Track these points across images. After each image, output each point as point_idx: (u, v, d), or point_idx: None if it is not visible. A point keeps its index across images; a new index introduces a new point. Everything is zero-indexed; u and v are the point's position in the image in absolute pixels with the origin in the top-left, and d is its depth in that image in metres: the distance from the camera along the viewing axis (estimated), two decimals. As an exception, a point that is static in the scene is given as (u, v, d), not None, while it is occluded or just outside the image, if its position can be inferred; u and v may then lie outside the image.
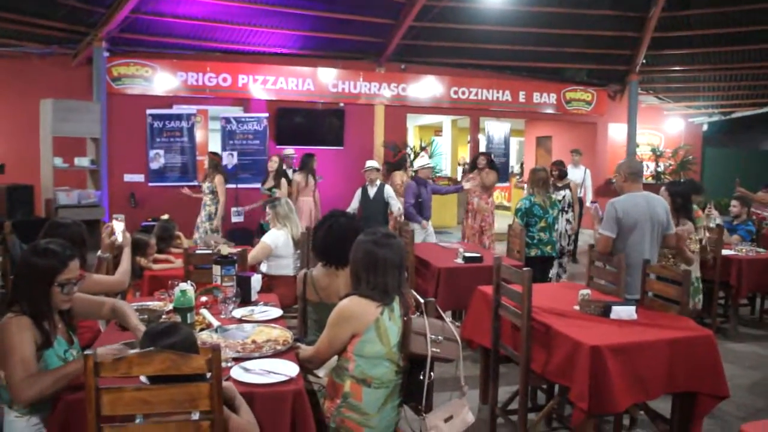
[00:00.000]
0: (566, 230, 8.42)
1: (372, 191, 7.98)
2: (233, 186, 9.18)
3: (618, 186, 4.71)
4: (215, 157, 8.46)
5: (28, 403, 2.38)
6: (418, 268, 5.91)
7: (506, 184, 15.09)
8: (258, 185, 9.27)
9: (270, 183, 8.30)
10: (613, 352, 3.14)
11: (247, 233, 8.84)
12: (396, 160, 9.46)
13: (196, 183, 9.62)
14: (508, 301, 3.92)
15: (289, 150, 9.85)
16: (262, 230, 8.13)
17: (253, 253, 5.20)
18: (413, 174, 8.00)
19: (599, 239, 4.54)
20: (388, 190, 7.92)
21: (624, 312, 3.66)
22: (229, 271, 3.81)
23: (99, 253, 3.90)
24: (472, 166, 8.83)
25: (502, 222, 13.33)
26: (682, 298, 3.74)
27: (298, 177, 8.60)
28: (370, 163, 8.11)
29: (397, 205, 7.84)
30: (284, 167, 9.45)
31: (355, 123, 11.82)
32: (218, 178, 8.15)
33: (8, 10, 9.04)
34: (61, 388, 2.37)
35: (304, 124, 11.35)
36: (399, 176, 9.26)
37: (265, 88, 11.24)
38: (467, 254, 5.72)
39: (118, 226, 3.87)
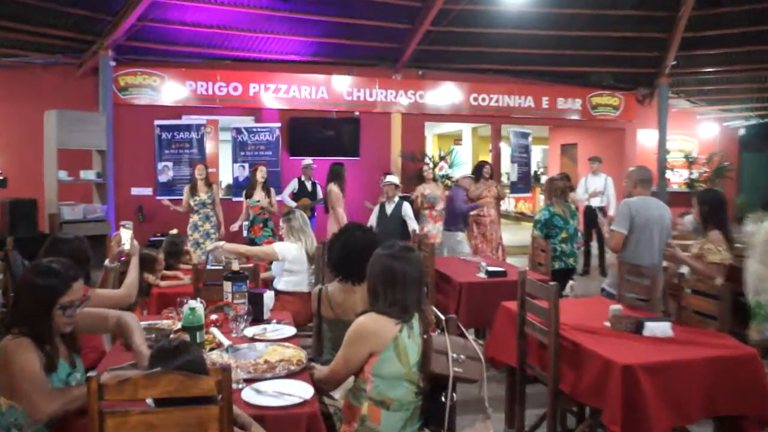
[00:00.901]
0: None
1: (389, 208, 8.03)
2: (240, 199, 9.14)
3: (627, 192, 5.11)
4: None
5: (48, 419, 2.34)
6: (438, 283, 5.92)
7: (528, 195, 15.04)
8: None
9: (260, 194, 8.29)
10: (648, 371, 3.09)
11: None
12: (421, 168, 9.34)
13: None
14: (534, 317, 3.91)
15: (308, 160, 9.89)
16: (253, 244, 8.13)
17: (257, 249, 5.39)
18: (453, 183, 8.14)
19: (612, 236, 4.92)
20: (406, 208, 7.95)
21: (659, 329, 3.62)
22: (241, 287, 3.81)
23: (106, 262, 3.90)
24: (477, 176, 8.85)
25: (516, 234, 13.97)
26: (721, 314, 3.69)
27: (335, 188, 8.58)
28: (390, 178, 8.16)
29: (413, 224, 7.92)
30: (302, 178, 9.60)
31: (371, 132, 11.86)
32: (215, 188, 8.48)
33: (12, 19, 9.15)
34: (71, 411, 2.36)
35: (318, 134, 11.42)
36: (425, 188, 9.10)
37: (277, 96, 11.33)
38: (490, 268, 5.73)
39: (126, 233, 3.86)
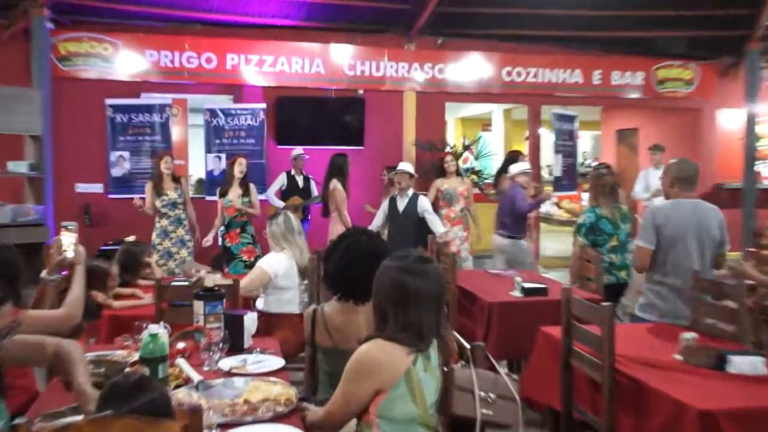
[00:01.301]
0: None
1: (402, 203, 8.08)
2: (215, 198, 9.20)
3: (664, 192, 5.15)
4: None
5: None
6: (462, 303, 5.96)
7: (573, 193, 14.99)
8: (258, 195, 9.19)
9: (236, 191, 8.35)
10: (733, 419, 3.05)
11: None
12: (442, 160, 9.46)
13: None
14: (582, 347, 3.92)
15: (298, 150, 9.97)
16: (230, 254, 8.35)
17: (245, 282, 5.28)
18: (507, 180, 8.34)
19: (635, 251, 4.98)
20: (424, 202, 8.01)
21: (746, 364, 3.56)
22: (216, 308, 3.85)
23: (43, 274, 3.86)
24: (504, 169, 8.96)
25: (557, 241, 13.94)
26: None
27: (339, 186, 8.62)
28: (402, 166, 8.24)
29: (438, 225, 7.93)
30: (292, 172, 9.80)
31: (379, 116, 11.85)
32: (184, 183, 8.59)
33: None
34: None
35: (313, 118, 11.43)
36: (444, 183, 9.26)
37: (261, 71, 11.36)
38: (527, 285, 5.76)
39: (68, 237, 3.80)
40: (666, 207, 4.97)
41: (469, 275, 6.77)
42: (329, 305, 3.53)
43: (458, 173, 9.28)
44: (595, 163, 16.59)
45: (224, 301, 3.95)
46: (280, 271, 5.39)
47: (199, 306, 3.87)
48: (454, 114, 19.16)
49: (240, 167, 8.42)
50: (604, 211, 6.45)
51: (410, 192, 8.06)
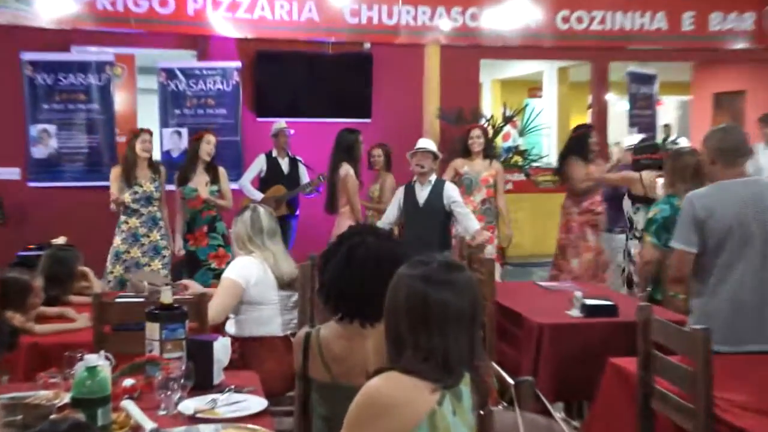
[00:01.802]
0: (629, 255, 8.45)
1: (422, 192, 8.03)
2: (172, 187, 9.08)
3: (707, 172, 5.07)
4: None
5: None
6: (502, 325, 6.01)
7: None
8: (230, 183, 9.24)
9: (202, 178, 8.38)
10: None
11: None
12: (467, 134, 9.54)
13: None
14: (667, 385, 3.91)
15: (280, 123, 10.01)
16: (194, 260, 8.39)
17: (215, 303, 5.30)
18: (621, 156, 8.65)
19: (671, 255, 4.97)
20: (452, 191, 8.04)
21: None
22: (176, 332, 3.91)
23: None
24: (582, 152, 9.13)
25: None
26: None
27: (351, 171, 8.69)
28: (423, 143, 8.26)
29: (471, 221, 7.95)
30: (273, 153, 9.84)
31: (391, 78, 11.81)
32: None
33: None
34: None
35: (303, 81, 11.47)
36: (464, 165, 9.35)
37: (234, 17, 11.34)
38: (589, 301, 5.78)
39: None
40: (707, 195, 4.83)
41: (512, 289, 6.82)
42: (327, 328, 3.55)
43: (487, 154, 9.35)
44: (682, 141, 16.81)
45: (187, 322, 3.99)
46: (251, 278, 5.45)
47: (153, 329, 3.90)
48: (492, 74, 19.13)
49: (208, 147, 8.41)
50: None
51: (433, 178, 8.06)
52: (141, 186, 8.27)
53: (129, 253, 8.29)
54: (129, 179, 8.25)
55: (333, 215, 8.93)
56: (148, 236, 8.35)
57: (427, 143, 8.29)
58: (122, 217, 8.32)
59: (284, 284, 5.59)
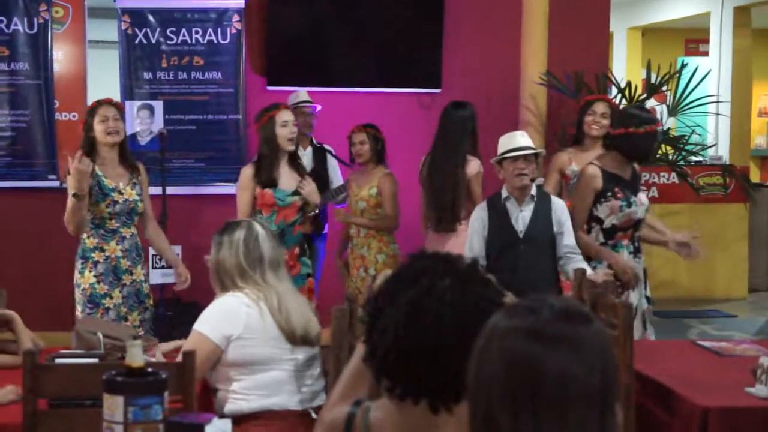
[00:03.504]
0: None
1: (523, 213, 7.30)
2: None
3: None
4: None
5: None
6: (644, 405, 5.50)
7: None
8: (225, 184, 9.28)
9: (290, 176, 7.69)
10: None
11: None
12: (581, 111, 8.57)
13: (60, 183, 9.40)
14: None
15: (300, 94, 9.12)
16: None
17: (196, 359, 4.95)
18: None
19: None
20: (560, 208, 7.34)
21: None
22: (149, 411, 3.48)
23: None
24: None
25: None
26: None
27: (477, 164, 8.33)
28: (520, 139, 7.36)
29: (578, 262, 7.38)
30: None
31: (472, 26, 10.89)
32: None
33: None
34: None
35: (338, 31, 10.54)
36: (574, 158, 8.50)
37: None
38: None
39: None
40: None
41: (658, 351, 6.38)
42: (380, 408, 2.98)
43: (609, 143, 8.05)
44: None
45: (167, 395, 3.47)
46: (236, 329, 4.98)
47: (114, 406, 3.41)
48: (628, 20, 17.93)
49: (285, 130, 7.44)
50: None
51: (533, 189, 7.24)
52: (118, 192, 7.20)
53: (112, 298, 7.24)
54: (98, 181, 7.22)
55: (442, 234, 8.21)
56: (131, 273, 7.31)
57: (524, 139, 7.35)
58: (90, 239, 7.20)
59: (296, 340, 5.14)
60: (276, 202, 7.50)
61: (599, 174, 7.06)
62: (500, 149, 7.17)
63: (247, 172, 7.64)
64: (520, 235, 7.09)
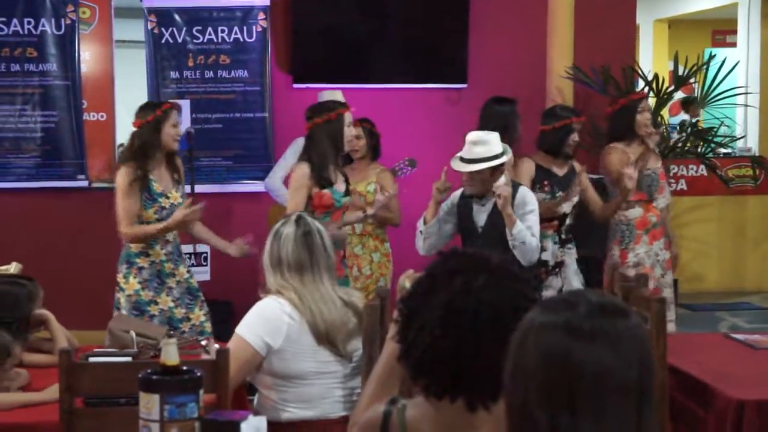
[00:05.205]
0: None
1: (482, 209, 7.37)
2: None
3: None
4: None
5: None
6: (676, 400, 5.54)
7: None
8: (252, 182, 9.49)
9: (339, 179, 7.60)
10: None
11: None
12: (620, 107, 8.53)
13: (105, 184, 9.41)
14: None
15: (336, 93, 8.91)
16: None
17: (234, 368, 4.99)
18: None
19: None
20: (522, 200, 7.58)
21: None
22: (186, 408, 3.58)
23: None
24: None
25: None
26: None
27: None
28: (472, 150, 7.28)
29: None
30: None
31: (498, 19, 10.95)
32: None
33: None
34: None
35: (366, 28, 10.65)
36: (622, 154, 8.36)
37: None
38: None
39: None
40: None
41: (690, 344, 6.40)
42: (417, 407, 3.03)
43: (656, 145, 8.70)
44: None
45: (202, 393, 3.59)
46: (278, 338, 4.91)
47: (150, 404, 3.53)
48: (654, 12, 17.96)
49: (350, 132, 7.54)
50: None
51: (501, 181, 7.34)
52: (167, 197, 7.18)
53: (157, 304, 7.23)
54: (149, 187, 7.13)
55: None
56: (174, 275, 7.32)
57: (482, 147, 7.27)
58: (133, 246, 7.17)
59: (323, 337, 5.00)
60: (333, 204, 7.46)
61: (533, 167, 7.75)
62: (463, 150, 7.22)
63: (304, 170, 7.36)
64: (479, 230, 7.22)
